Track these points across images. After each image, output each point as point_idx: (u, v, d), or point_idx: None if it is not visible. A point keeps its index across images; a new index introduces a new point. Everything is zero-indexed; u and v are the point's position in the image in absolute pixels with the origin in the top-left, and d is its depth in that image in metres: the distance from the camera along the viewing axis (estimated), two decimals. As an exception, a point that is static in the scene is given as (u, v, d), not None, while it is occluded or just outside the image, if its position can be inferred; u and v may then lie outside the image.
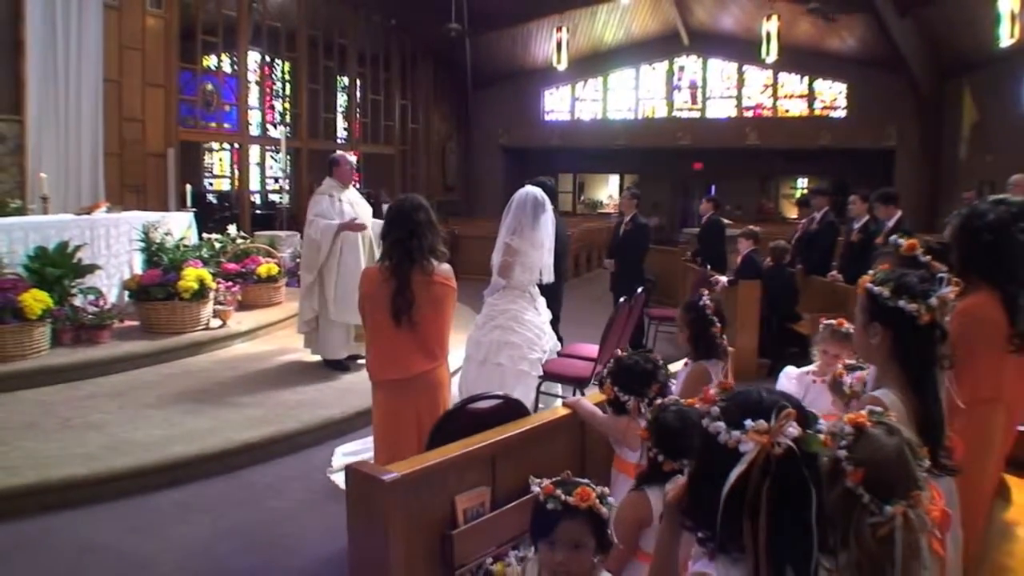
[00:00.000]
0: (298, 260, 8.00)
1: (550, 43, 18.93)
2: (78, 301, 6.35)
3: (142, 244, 7.21)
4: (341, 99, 17.43)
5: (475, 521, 2.50)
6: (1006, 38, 12.56)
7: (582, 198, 23.62)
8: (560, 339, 5.30)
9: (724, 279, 7.48)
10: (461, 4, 15.60)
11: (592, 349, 5.09)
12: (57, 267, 6.23)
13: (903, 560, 1.28)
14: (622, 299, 5.25)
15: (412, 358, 3.33)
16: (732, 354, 3.31)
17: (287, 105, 16.68)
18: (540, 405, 4.61)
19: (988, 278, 2.29)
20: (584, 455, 2.93)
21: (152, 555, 3.55)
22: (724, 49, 19.69)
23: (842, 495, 1.34)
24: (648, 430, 2.13)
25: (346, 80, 17.30)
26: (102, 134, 9.67)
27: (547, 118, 21.67)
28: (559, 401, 4.23)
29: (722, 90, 20.35)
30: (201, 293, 6.76)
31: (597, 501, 1.82)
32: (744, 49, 18.36)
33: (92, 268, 6.62)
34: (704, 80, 20.44)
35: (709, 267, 8.24)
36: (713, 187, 19.95)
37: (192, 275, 6.73)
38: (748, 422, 1.22)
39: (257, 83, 16.34)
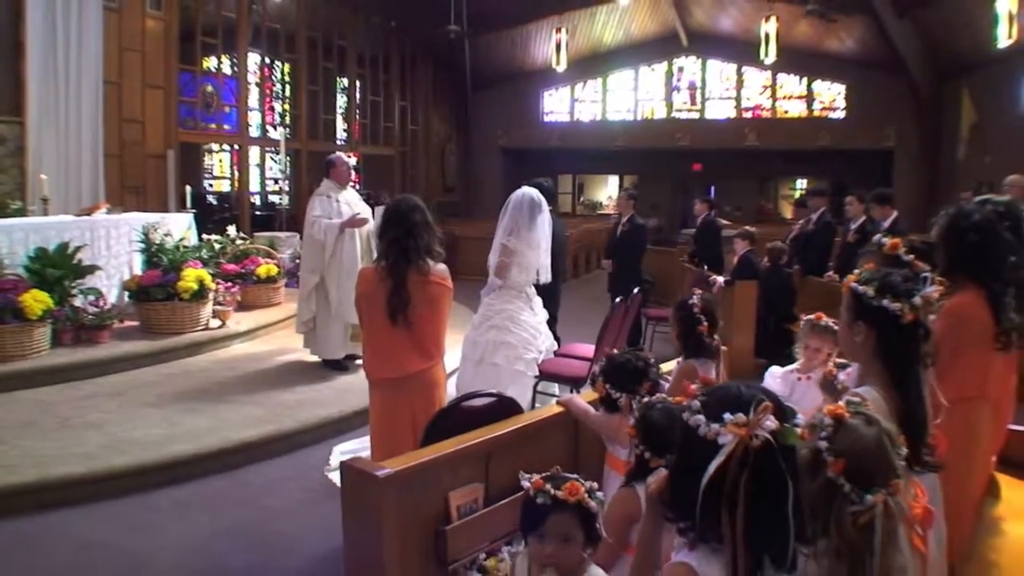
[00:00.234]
0: (298, 261, 8.03)
1: (549, 44, 18.92)
2: (78, 301, 6.39)
3: (142, 245, 7.25)
4: (341, 100, 17.42)
5: (468, 517, 2.52)
6: (1004, 39, 12.54)
7: (581, 199, 23.59)
8: (557, 339, 5.32)
9: (721, 279, 7.51)
10: (460, 6, 15.61)
11: (589, 349, 5.12)
12: (57, 268, 6.27)
13: (881, 546, 1.31)
14: (618, 299, 5.29)
15: (408, 357, 3.36)
16: (728, 354, 3.33)
17: (287, 106, 16.67)
18: (537, 404, 4.63)
19: (974, 277, 2.33)
20: (577, 452, 2.95)
21: (150, 553, 3.58)
22: (723, 50, 19.68)
23: (823, 485, 1.36)
24: (635, 427, 2.16)
25: (346, 81, 17.30)
26: (102, 135, 9.68)
27: (546, 119, 21.64)
28: (555, 400, 4.25)
29: (721, 91, 20.33)
30: (200, 294, 6.80)
31: (586, 495, 1.84)
32: (743, 50, 18.36)
33: (92, 269, 6.66)
34: (703, 81, 20.43)
35: (706, 267, 8.26)
36: (712, 188, 19.95)
37: (192, 276, 6.77)
38: (727, 415, 1.25)
39: (257, 84, 16.33)
